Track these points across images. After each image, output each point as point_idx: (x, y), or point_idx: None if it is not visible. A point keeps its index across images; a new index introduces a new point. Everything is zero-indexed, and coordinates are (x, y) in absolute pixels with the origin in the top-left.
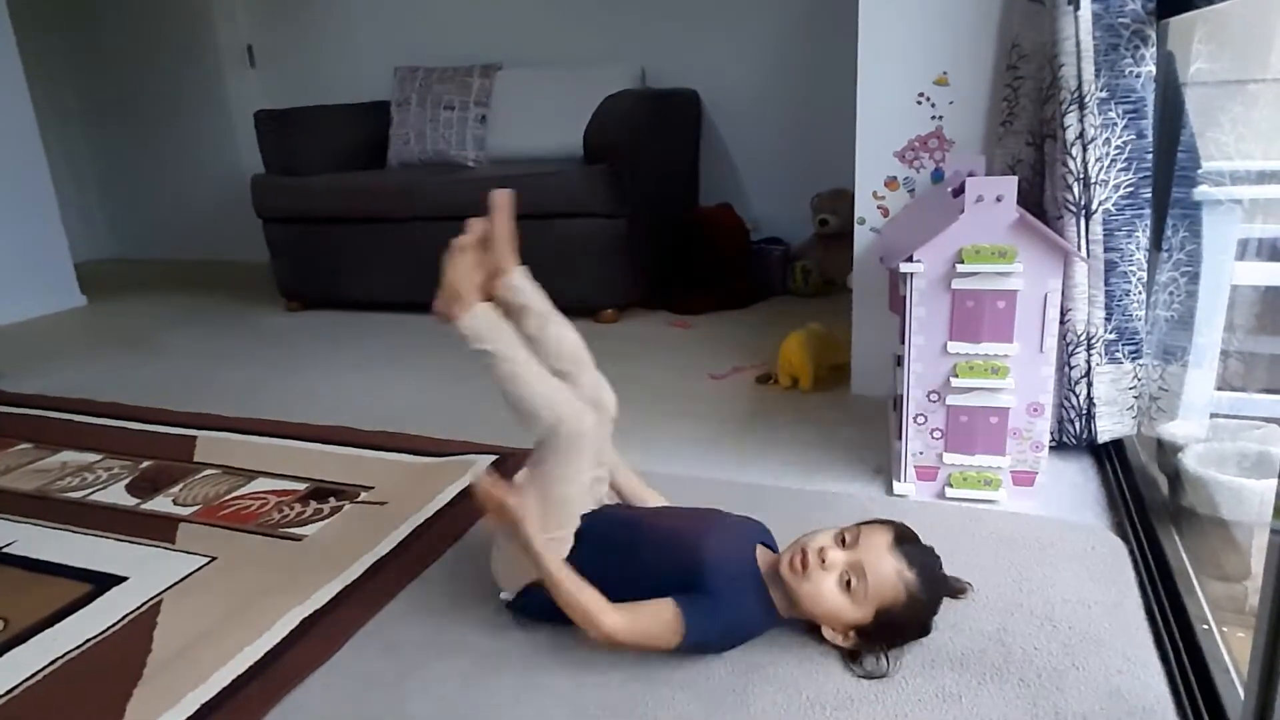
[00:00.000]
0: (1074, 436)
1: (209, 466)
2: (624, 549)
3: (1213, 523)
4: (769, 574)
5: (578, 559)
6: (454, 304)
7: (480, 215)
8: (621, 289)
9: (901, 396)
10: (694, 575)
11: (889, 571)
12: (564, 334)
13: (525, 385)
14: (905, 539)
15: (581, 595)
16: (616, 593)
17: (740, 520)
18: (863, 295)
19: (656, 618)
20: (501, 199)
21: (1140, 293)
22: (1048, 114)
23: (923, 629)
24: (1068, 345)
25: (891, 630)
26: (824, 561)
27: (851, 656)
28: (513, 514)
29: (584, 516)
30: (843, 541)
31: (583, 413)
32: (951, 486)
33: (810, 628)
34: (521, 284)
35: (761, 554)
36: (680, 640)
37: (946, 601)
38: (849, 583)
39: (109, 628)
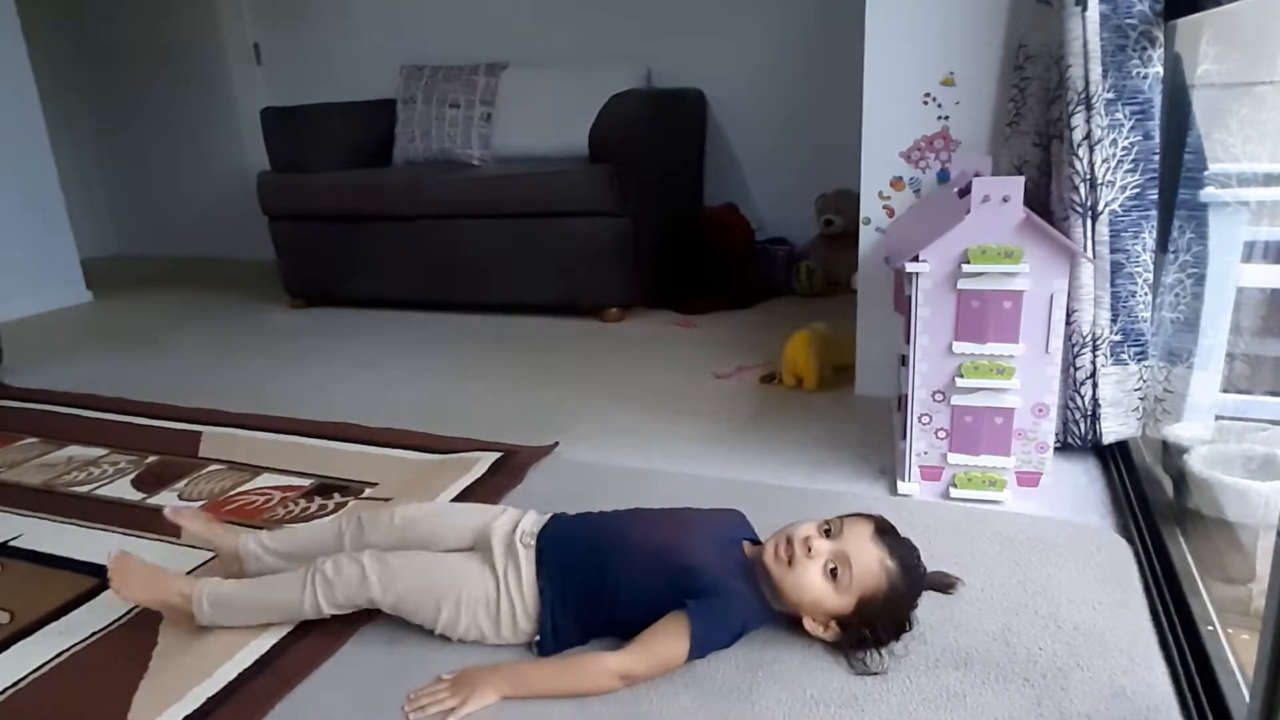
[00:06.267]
0: (1079, 438)
1: (214, 462)
2: (601, 571)
3: (1218, 524)
4: (755, 566)
5: (552, 586)
6: (174, 611)
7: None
8: (626, 288)
9: (906, 396)
10: (687, 583)
11: (872, 561)
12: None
13: (268, 597)
14: (885, 530)
15: (576, 679)
16: (605, 615)
17: (719, 515)
18: (867, 295)
19: (666, 641)
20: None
21: (1146, 294)
22: (1054, 115)
23: (901, 620)
24: (1073, 346)
25: (872, 619)
26: (809, 550)
27: (836, 649)
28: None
29: (547, 536)
30: (826, 532)
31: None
32: (956, 487)
33: (791, 622)
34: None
35: (747, 548)
36: (688, 654)
37: (950, 600)
38: (834, 571)
39: (114, 621)
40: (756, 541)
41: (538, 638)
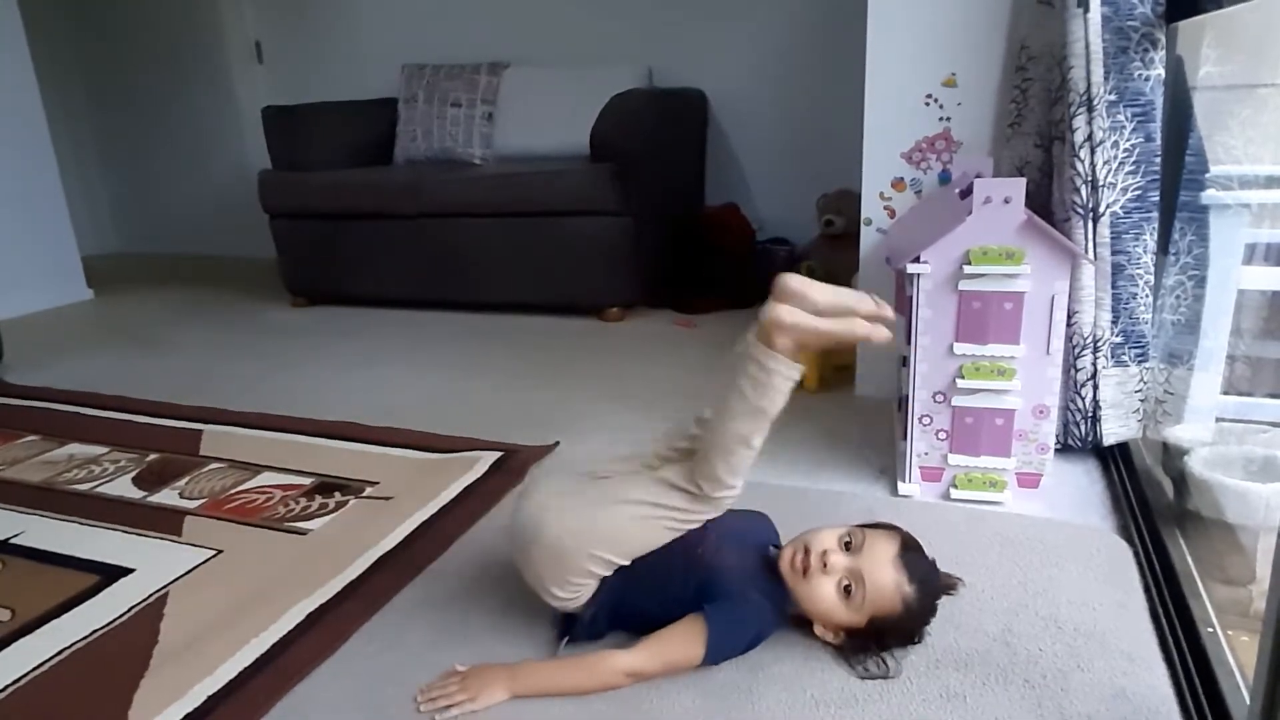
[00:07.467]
0: (1079, 439)
1: (215, 460)
2: (633, 567)
3: (1218, 526)
4: (776, 568)
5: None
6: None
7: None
8: (627, 288)
9: (907, 397)
10: (708, 587)
11: (888, 584)
12: None
13: None
14: (910, 548)
15: (586, 677)
16: (631, 609)
17: (745, 517)
18: None
19: (682, 645)
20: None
21: (1147, 296)
22: (1056, 116)
23: (913, 638)
24: (1074, 348)
25: (882, 636)
26: (825, 565)
27: (840, 653)
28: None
29: None
30: (846, 545)
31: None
32: (956, 488)
33: (802, 622)
34: None
35: (772, 551)
36: (703, 660)
37: (950, 601)
38: (847, 589)
39: (116, 619)
40: (779, 546)
41: (566, 639)
